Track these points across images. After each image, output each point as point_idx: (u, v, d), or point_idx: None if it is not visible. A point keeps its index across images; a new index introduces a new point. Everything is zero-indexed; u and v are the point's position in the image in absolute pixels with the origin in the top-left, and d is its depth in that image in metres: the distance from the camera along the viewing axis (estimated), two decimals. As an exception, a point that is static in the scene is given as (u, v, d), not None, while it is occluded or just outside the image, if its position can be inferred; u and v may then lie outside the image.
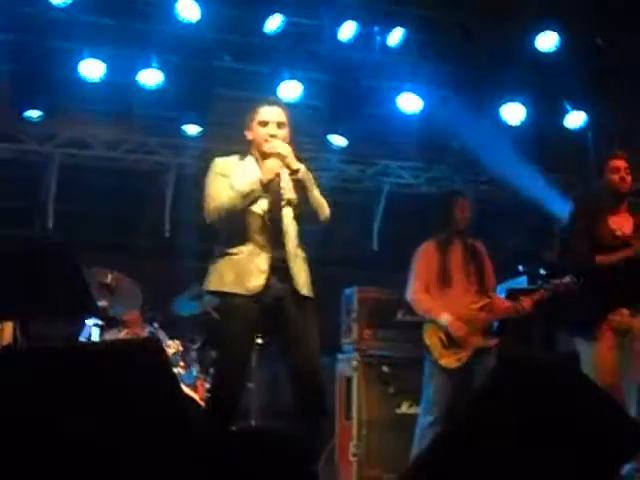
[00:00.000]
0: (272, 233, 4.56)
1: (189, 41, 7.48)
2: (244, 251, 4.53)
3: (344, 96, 8.06)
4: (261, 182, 4.50)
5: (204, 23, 7.31)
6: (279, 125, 4.66)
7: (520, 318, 6.01)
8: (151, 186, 8.36)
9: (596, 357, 5.24)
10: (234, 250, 4.55)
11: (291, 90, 7.68)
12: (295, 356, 4.53)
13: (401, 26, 7.79)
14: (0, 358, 2.98)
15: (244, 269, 4.50)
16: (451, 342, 5.86)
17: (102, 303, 6.21)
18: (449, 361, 5.84)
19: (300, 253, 4.65)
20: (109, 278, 6.33)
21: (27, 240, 7.15)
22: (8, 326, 5.35)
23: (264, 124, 4.66)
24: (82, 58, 7.29)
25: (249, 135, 4.74)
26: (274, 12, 7.47)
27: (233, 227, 4.56)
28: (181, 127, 7.75)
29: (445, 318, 5.87)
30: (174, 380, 3.29)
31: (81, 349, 3.21)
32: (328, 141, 8.03)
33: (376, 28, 7.89)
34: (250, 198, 4.50)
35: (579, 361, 5.28)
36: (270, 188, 4.56)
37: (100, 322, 6.21)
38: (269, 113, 4.69)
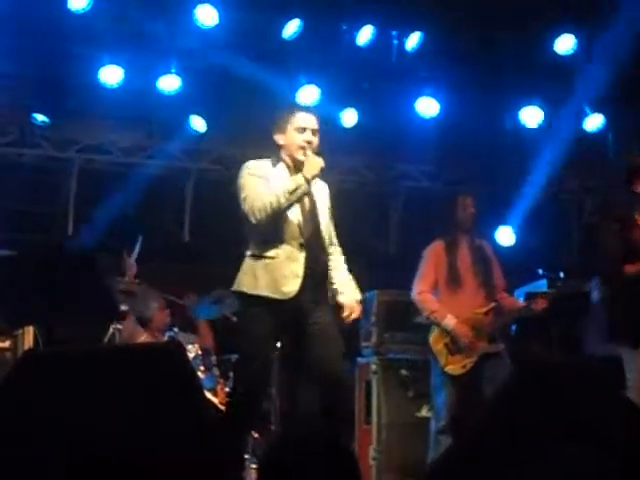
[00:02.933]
0: (306, 236, 4.56)
1: (208, 47, 7.52)
2: (281, 255, 4.50)
3: (361, 100, 8.09)
4: (305, 178, 4.46)
5: (222, 28, 7.35)
6: (314, 132, 4.62)
7: (533, 317, 5.99)
8: (171, 191, 8.39)
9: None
10: (270, 254, 4.51)
11: (309, 94, 7.70)
12: (319, 359, 4.52)
13: (418, 30, 7.81)
14: (22, 361, 3.01)
15: (281, 273, 4.48)
16: (456, 348, 5.80)
17: (122, 307, 6.25)
18: (454, 368, 5.79)
19: (328, 264, 4.68)
20: (129, 285, 6.35)
21: (51, 244, 7.21)
22: (29, 330, 5.40)
23: (301, 130, 4.60)
24: (102, 64, 7.35)
25: (280, 139, 4.67)
26: (292, 17, 7.51)
27: (269, 230, 4.52)
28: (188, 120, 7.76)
29: (449, 321, 5.81)
30: (197, 384, 3.31)
31: (103, 352, 3.23)
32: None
33: (394, 32, 7.92)
34: (296, 195, 4.45)
35: (604, 367, 5.24)
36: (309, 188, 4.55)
37: (120, 326, 6.24)
38: (307, 119, 4.64)
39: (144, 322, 6.74)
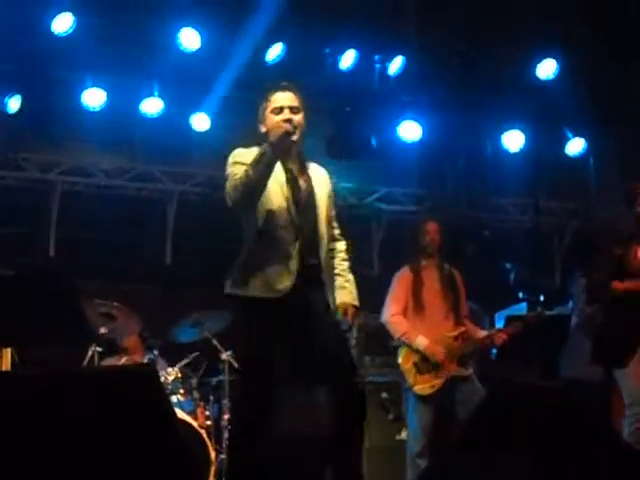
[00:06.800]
0: (300, 228, 4.27)
1: (190, 69, 7.56)
2: (273, 251, 4.23)
3: (345, 124, 8.13)
4: (270, 143, 4.15)
5: (205, 52, 7.40)
6: (293, 110, 4.31)
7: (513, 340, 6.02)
8: (153, 214, 8.39)
9: (631, 381, 5.23)
10: (262, 249, 4.26)
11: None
12: (327, 368, 4.24)
13: (401, 54, 7.87)
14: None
15: (273, 270, 4.20)
16: (426, 367, 5.84)
17: (102, 330, 6.24)
18: (423, 387, 5.83)
19: (330, 262, 4.39)
20: (109, 308, 6.34)
21: (25, 265, 7.20)
22: (7, 352, 5.37)
23: (278, 110, 4.32)
24: (85, 87, 7.38)
25: (262, 128, 4.39)
26: (275, 41, 7.55)
27: (260, 224, 4.24)
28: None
29: (421, 341, 5.86)
30: (168, 405, 3.31)
31: (75, 375, 3.23)
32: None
33: (376, 57, 7.97)
34: (262, 164, 4.10)
35: (578, 388, 5.28)
36: (285, 157, 4.23)
37: (100, 349, 6.22)
38: (282, 99, 4.33)
39: (123, 345, 6.77)
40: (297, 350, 4.29)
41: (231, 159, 4.35)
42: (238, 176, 4.17)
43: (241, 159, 4.29)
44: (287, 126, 4.21)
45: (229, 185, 4.23)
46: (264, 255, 4.25)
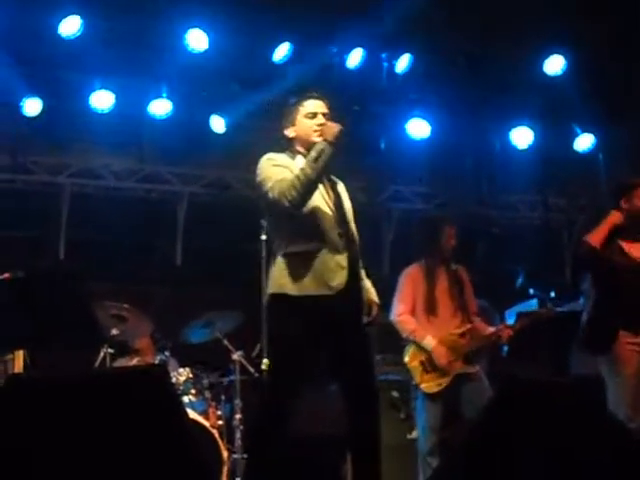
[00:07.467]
0: (342, 226, 4.30)
1: (198, 70, 7.57)
2: (323, 247, 4.22)
3: (353, 123, 8.11)
4: (327, 141, 4.19)
5: (213, 53, 7.41)
6: (325, 116, 4.39)
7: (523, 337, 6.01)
8: (163, 215, 8.41)
9: (621, 380, 5.18)
10: (311, 247, 4.23)
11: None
12: (351, 372, 4.25)
13: (408, 52, 7.86)
14: (6, 386, 3.02)
15: (326, 267, 4.19)
16: (432, 366, 5.86)
17: (113, 332, 6.25)
18: (430, 386, 5.84)
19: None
20: (120, 309, 6.36)
21: (35, 268, 7.22)
22: (19, 355, 5.39)
23: (312, 115, 4.38)
24: (93, 89, 7.40)
25: (291, 132, 4.44)
26: (282, 41, 7.56)
27: (306, 223, 4.24)
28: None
29: (429, 341, 5.87)
30: (178, 405, 3.32)
31: (87, 376, 3.24)
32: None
33: (383, 55, 7.96)
34: (322, 161, 4.15)
35: (586, 384, 5.25)
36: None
37: (111, 350, 6.25)
38: (316, 105, 4.42)
39: (134, 346, 6.78)
40: (328, 349, 4.29)
41: (266, 163, 4.36)
42: (294, 177, 4.18)
43: (279, 162, 4.35)
44: (339, 126, 4.23)
45: (282, 187, 4.19)
46: (314, 254, 4.22)
